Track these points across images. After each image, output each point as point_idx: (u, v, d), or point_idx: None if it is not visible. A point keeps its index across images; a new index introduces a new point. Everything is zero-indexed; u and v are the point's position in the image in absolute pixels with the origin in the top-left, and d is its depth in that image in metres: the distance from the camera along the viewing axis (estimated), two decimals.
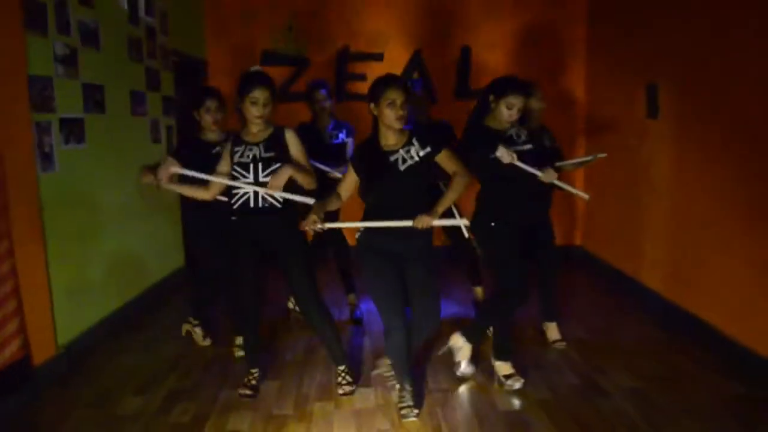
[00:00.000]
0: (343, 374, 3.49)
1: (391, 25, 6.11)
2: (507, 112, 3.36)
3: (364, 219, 3.09)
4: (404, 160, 3.02)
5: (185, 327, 4.22)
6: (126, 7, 4.52)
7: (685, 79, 4.34)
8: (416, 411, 3.16)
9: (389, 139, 3.06)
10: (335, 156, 4.41)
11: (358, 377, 3.61)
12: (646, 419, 3.10)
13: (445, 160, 3.06)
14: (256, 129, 3.30)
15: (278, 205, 3.25)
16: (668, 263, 4.63)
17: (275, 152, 3.25)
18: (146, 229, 4.88)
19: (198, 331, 4.17)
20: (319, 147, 4.36)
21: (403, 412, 3.16)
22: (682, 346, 4.05)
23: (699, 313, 4.15)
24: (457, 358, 3.63)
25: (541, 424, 3.09)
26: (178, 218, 5.39)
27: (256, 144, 3.27)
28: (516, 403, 3.30)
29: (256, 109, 3.19)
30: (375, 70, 5.95)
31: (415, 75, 6.02)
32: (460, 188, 3.04)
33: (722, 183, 3.90)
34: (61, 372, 3.63)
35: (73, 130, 3.83)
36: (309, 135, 4.36)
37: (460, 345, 3.62)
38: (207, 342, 4.16)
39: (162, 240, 5.17)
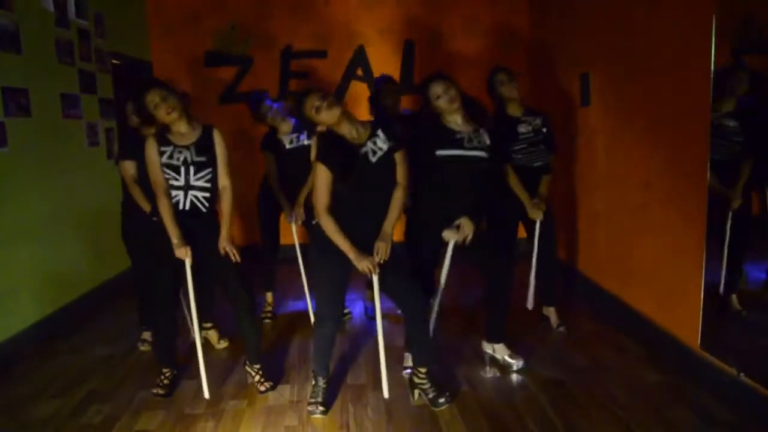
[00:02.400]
0: (260, 372, 3.47)
1: (334, 22, 6.10)
2: (436, 102, 3.32)
3: (336, 215, 3.00)
4: (374, 152, 3.00)
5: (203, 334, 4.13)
6: (52, 9, 4.48)
7: (612, 68, 4.34)
8: (322, 408, 3.15)
9: (346, 130, 3.01)
10: (299, 162, 4.25)
11: (280, 374, 3.59)
12: (558, 410, 3.10)
13: (399, 159, 3.05)
14: (184, 129, 3.26)
15: (203, 210, 3.27)
16: (603, 252, 4.63)
17: (206, 156, 3.24)
18: (81, 234, 4.83)
19: (213, 334, 4.16)
20: (283, 155, 4.31)
21: (310, 408, 3.16)
22: (611, 336, 4.05)
23: (631, 303, 4.15)
24: (503, 359, 3.63)
25: (450, 417, 3.08)
26: (117, 224, 5.34)
27: (186, 147, 3.24)
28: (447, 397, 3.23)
29: (162, 111, 3.16)
30: (319, 68, 5.97)
31: (359, 72, 6.02)
32: (401, 203, 3.07)
33: (647, 170, 3.90)
34: None
35: None
36: (274, 144, 4.36)
37: (489, 349, 3.67)
38: (223, 344, 4.14)
39: (101, 244, 5.11)
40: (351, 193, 3.00)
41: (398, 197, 3.07)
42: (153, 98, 3.15)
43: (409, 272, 3.18)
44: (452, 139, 3.31)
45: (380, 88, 4.28)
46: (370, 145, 3.01)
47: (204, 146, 3.24)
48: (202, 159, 3.22)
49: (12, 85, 4.00)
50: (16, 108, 4.04)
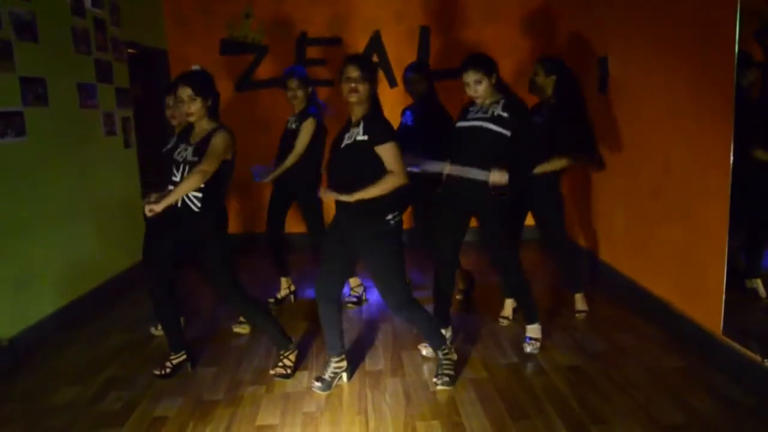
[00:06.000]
0: (282, 357, 3.47)
1: (349, 8, 6.05)
2: (466, 90, 3.39)
3: None
4: (348, 139, 3.04)
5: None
6: None
7: (631, 52, 4.28)
8: (319, 384, 3.24)
9: (353, 114, 3.08)
10: (288, 143, 4.35)
11: (299, 362, 3.57)
12: (577, 395, 3.08)
13: (382, 153, 2.96)
14: (198, 127, 3.32)
15: (195, 209, 3.23)
16: (623, 238, 4.59)
17: (200, 157, 3.22)
18: (99, 223, 4.86)
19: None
20: (283, 133, 4.41)
21: (313, 381, 3.29)
22: (631, 322, 4.02)
23: (652, 288, 4.10)
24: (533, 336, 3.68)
25: (468, 401, 3.07)
26: (136, 213, 5.38)
27: (192, 144, 3.29)
28: (446, 381, 3.24)
29: (183, 107, 3.24)
30: (334, 55, 5.94)
31: (375, 58, 5.98)
32: (385, 185, 2.97)
33: (667, 154, 3.84)
34: (2, 366, 3.63)
35: (10, 123, 3.82)
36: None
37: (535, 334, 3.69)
38: (238, 329, 4.15)
39: (118, 234, 5.14)
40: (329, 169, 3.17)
41: (385, 178, 2.96)
42: (181, 94, 3.22)
43: (394, 277, 3.12)
44: (467, 113, 3.48)
45: (408, 77, 4.32)
46: (352, 130, 3.05)
47: (201, 147, 3.22)
48: (195, 160, 3.22)
49: (30, 74, 4.01)
50: (33, 98, 4.06)
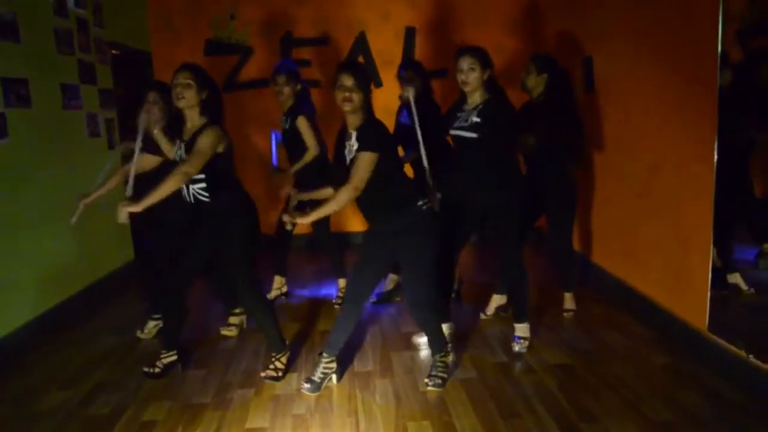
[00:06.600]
0: (273, 360, 3.45)
1: (334, 8, 6.03)
2: (458, 76, 3.38)
3: None
4: (349, 153, 3.04)
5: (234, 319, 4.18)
6: None
7: (616, 52, 4.31)
8: (308, 386, 3.23)
9: (348, 123, 3.06)
10: (287, 145, 4.38)
11: (289, 364, 3.54)
12: (566, 393, 3.10)
13: (357, 159, 2.93)
14: (189, 124, 3.28)
15: (206, 199, 3.24)
16: (611, 237, 4.62)
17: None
18: (86, 225, 4.77)
19: (234, 319, 4.19)
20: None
21: (302, 382, 3.28)
22: (619, 320, 4.05)
23: (639, 287, 4.13)
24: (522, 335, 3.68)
25: (458, 401, 3.08)
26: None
27: (185, 142, 3.25)
28: (437, 383, 3.25)
29: (175, 91, 3.17)
30: (320, 55, 5.93)
31: (360, 59, 5.97)
32: (340, 200, 2.93)
33: (654, 153, 3.87)
34: None
35: None
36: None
37: (524, 333, 3.69)
38: (226, 332, 4.14)
39: (103, 237, 5.08)
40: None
41: (339, 191, 2.94)
42: (178, 79, 3.18)
43: (419, 270, 3.14)
44: (454, 119, 3.46)
45: (401, 75, 4.23)
46: (350, 143, 3.03)
47: (191, 145, 3.18)
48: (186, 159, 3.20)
49: (11, 75, 3.95)
50: (15, 99, 4.00)
